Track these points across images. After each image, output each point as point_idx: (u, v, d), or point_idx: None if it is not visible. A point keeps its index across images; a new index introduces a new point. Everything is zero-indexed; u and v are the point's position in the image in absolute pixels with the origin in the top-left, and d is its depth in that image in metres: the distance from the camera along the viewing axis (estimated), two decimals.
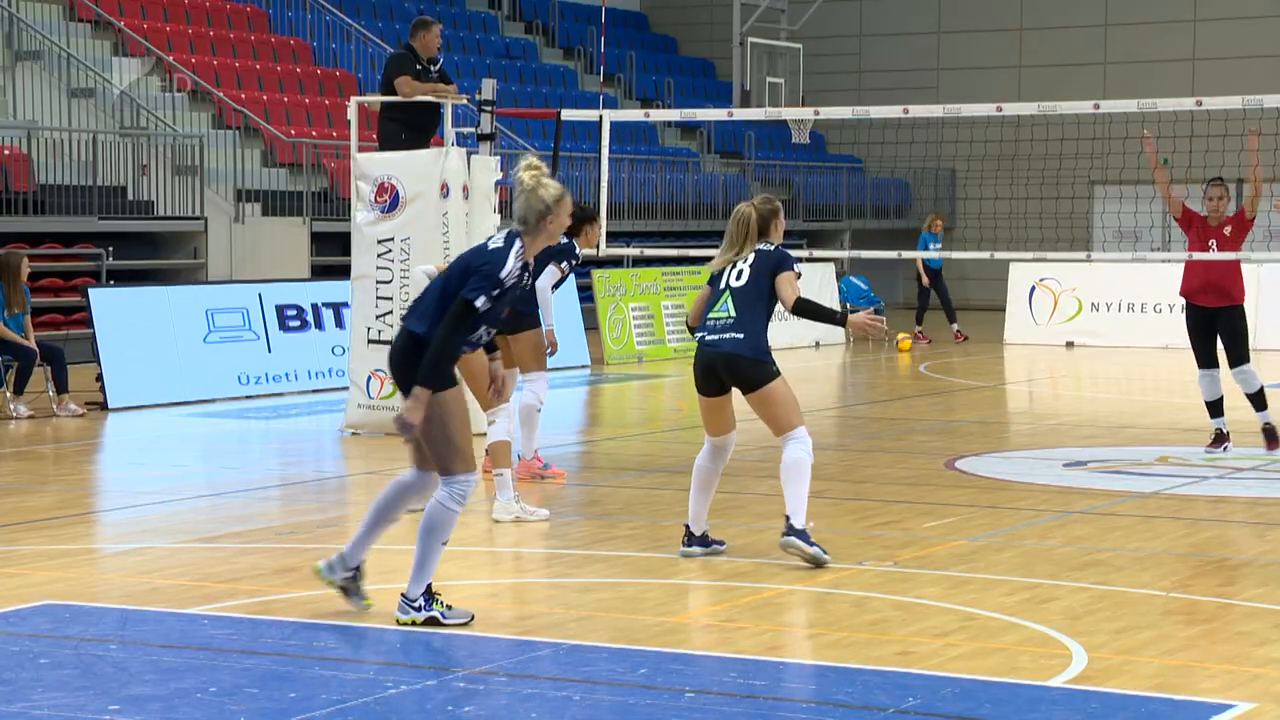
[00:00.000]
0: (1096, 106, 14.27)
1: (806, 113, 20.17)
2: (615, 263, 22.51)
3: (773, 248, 8.95)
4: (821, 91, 30.39)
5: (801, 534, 8.68)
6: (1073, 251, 25.24)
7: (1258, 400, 12.83)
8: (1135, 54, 30.96)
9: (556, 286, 11.64)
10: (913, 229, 31.70)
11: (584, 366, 20.41)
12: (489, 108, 14.44)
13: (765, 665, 6.91)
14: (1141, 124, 23.49)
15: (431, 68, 14.34)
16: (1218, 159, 23.60)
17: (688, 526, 9.08)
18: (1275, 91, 25.93)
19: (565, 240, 11.71)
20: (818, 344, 23.78)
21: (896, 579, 8.49)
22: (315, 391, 17.03)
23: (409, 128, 14.32)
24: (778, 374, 8.83)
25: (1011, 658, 7.01)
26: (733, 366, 8.76)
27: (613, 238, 15.25)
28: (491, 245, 7.53)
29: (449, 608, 7.51)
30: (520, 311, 11.52)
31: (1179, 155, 26.02)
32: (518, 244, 7.49)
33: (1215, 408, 12.80)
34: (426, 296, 7.53)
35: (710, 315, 8.88)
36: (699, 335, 8.93)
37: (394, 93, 14.23)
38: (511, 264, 7.43)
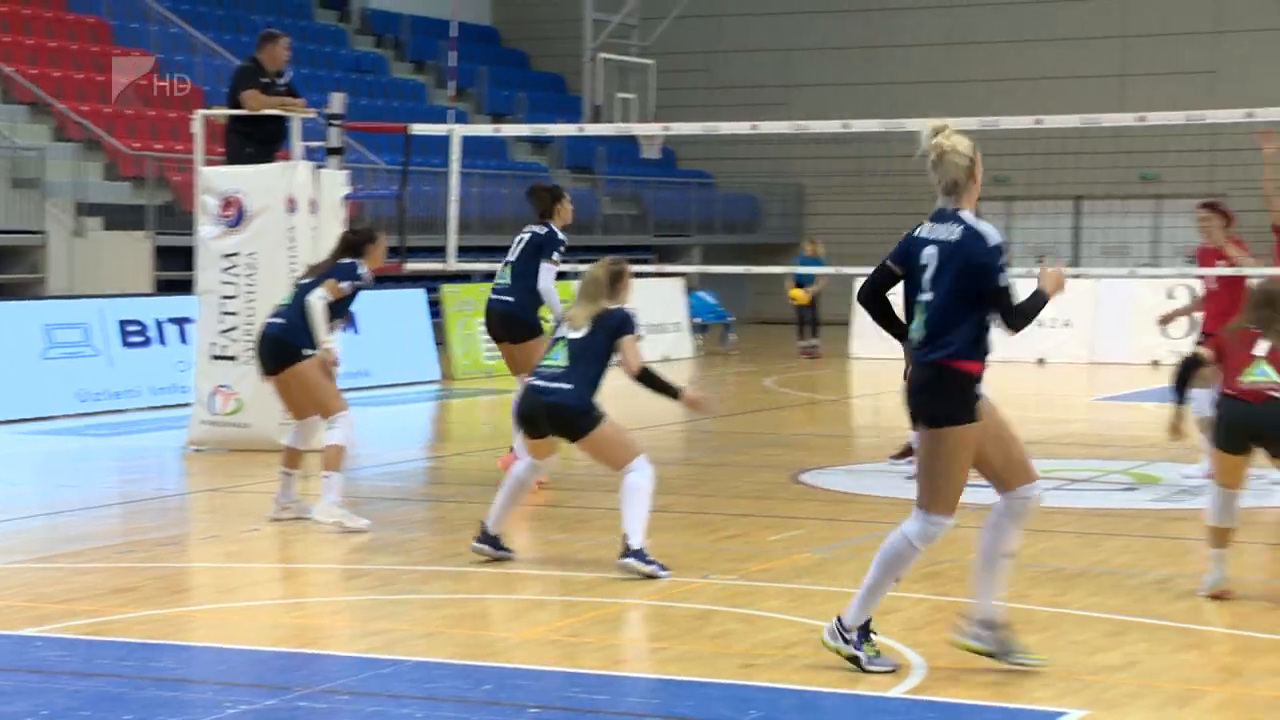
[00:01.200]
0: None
1: (657, 128, 20.31)
2: (464, 278, 22.43)
3: (616, 309, 9.10)
4: (672, 107, 30.54)
5: (638, 553, 8.77)
6: None
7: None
8: (980, 73, 31.49)
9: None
10: (761, 244, 31.98)
11: (432, 382, 20.33)
12: (337, 122, 14.34)
13: (609, 680, 6.93)
14: (984, 140, 23.86)
15: (278, 81, 14.22)
16: (1055, 175, 24.14)
17: (483, 522, 9.21)
18: (1111, 110, 26.51)
19: (545, 229, 11.84)
20: (666, 358, 23.89)
21: (741, 592, 8.55)
22: (158, 408, 16.79)
23: (255, 142, 14.19)
24: (600, 418, 8.97)
25: (851, 669, 7.09)
26: (555, 416, 8.96)
27: (463, 253, 15.18)
28: (980, 230, 6.82)
29: (877, 653, 6.96)
30: (521, 319, 11.62)
31: (1018, 172, 26.55)
32: (970, 214, 6.86)
33: None
34: (941, 319, 6.80)
35: (544, 362, 9.06)
36: (529, 380, 9.14)
37: (240, 106, 14.09)
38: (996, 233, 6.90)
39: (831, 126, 14.85)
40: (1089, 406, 18.64)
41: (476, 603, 8.47)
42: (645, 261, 27.27)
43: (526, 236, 12.12)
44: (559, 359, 8.98)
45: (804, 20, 33.20)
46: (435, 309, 21.54)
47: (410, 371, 20.17)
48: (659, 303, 24.30)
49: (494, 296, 12.19)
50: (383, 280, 22.83)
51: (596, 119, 28.47)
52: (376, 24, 32.18)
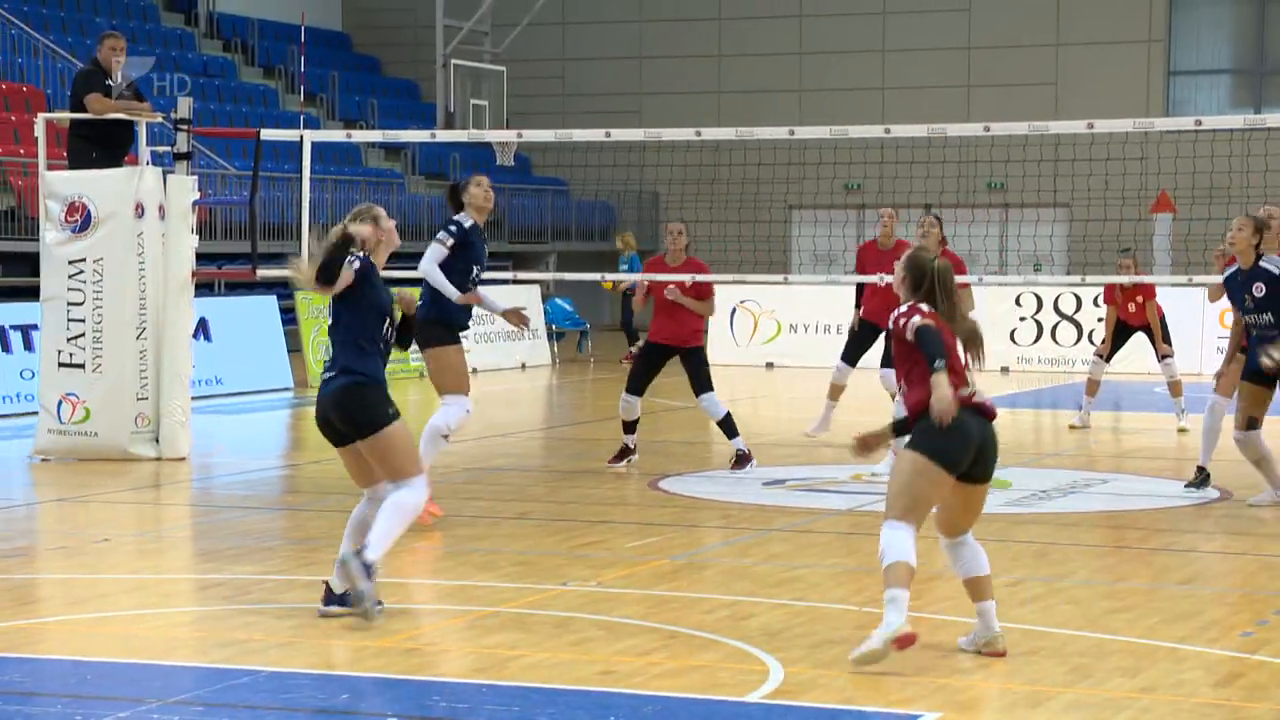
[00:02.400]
0: (792, 132, 14.61)
1: (510, 135, 20.22)
2: None
3: None
4: (526, 114, 30.53)
5: (368, 566, 7.92)
6: (771, 274, 25.77)
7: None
8: (829, 82, 31.82)
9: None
10: (617, 251, 32.04)
11: (287, 389, 20.11)
12: (185, 126, 14.14)
13: (468, 688, 6.90)
14: (834, 149, 24.22)
15: (122, 84, 13.98)
16: (905, 184, 24.46)
17: (328, 584, 8.18)
18: (959, 120, 26.97)
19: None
20: (523, 365, 23.86)
21: (600, 599, 8.56)
22: (3, 417, 16.42)
23: (100, 146, 13.95)
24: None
25: (711, 675, 7.13)
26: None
27: None
28: None
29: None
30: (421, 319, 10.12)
31: (869, 181, 26.88)
32: None
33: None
34: None
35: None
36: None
37: (84, 110, 13.84)
38: None
39: (684, 134, 14.93)
40: None
41: (334, 611, 8.38)
42: (502, 269, 27.20)
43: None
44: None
45: (656, 28, 33.34)
46: (288, 316, 21.31)
47: (263, 379, 19.93)
48: None
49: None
50: (234, 287, 22.63)
51: (449, 125, 28.35)
52: (224, 28, 31.78)
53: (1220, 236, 13.33)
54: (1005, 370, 23.06)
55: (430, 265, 10.83)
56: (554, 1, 31.85)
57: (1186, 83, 31.04)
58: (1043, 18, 31.09)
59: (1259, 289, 10.86)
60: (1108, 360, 16.44)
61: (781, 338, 24.34)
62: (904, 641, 7.11)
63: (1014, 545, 10.18)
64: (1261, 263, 10.90)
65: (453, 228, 11.00)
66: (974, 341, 7.50)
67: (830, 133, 14.60)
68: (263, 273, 14.94)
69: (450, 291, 10.76)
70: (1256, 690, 6.96)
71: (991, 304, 23.38)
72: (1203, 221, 20.87)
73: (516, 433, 16.74)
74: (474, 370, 23.50)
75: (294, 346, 20.87)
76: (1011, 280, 25.86)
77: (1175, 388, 16.17)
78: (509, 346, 24.02)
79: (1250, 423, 10.94)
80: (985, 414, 7.40)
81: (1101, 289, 22.51)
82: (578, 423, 18.19)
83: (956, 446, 7.24)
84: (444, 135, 22.83)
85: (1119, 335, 16.53)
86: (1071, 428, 16.46)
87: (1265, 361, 10.55)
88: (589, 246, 31.88)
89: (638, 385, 13.13)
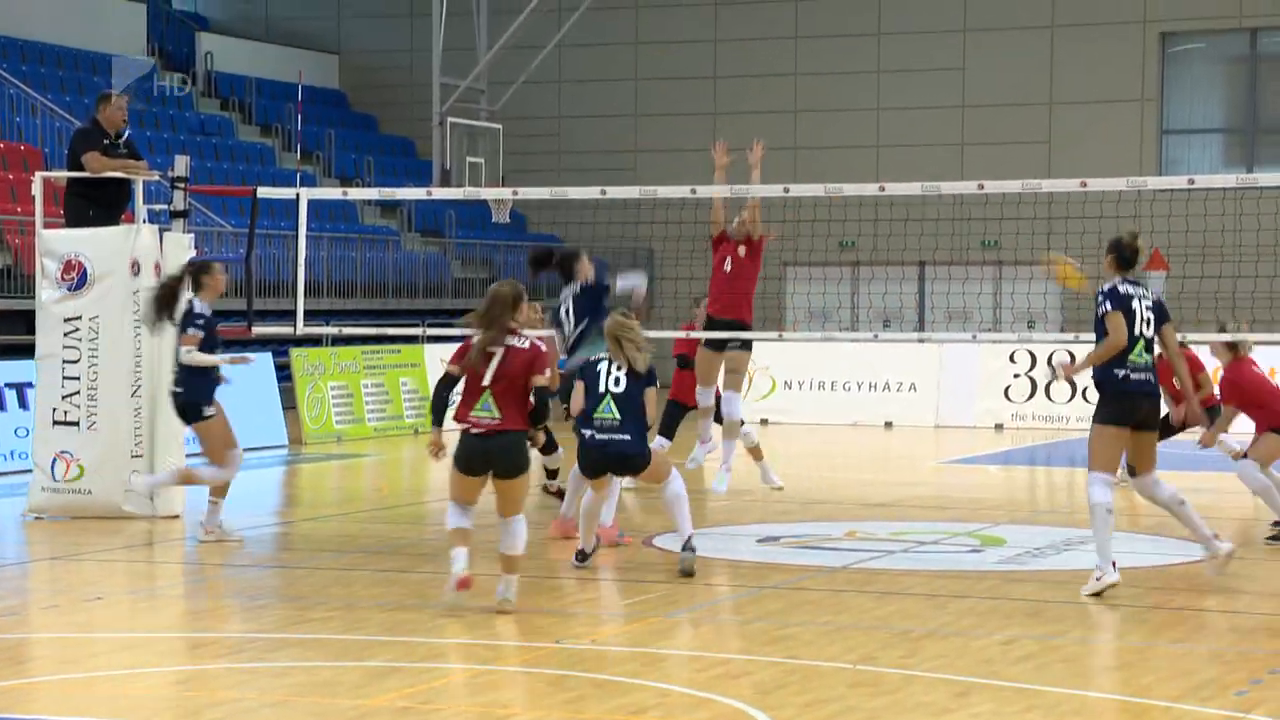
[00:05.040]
0: (786, 190, 14.68)
1: (505, 192, 20.31)
2: (314, 341, 22.25)
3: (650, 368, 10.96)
4: (521, 172, 30.63)
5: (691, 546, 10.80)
6: (765, 330, 25.80)
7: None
8: (823, 140, 31.96)
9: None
10: (612, 308, 32.03)
11: (281, 446, 20.10)
12: (182, 184, 14.20)
13: None
14: (828, 207, 24.30)
15: (119, 142, 14.04)
16: (900, 242, 24.54)
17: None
18: (952, 178, 27.04)
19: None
20: None
21: (592, 656, 8.54)
22: None
23: (97, 204, 13.98)
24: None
25: None
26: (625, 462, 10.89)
27: (311, 316, 15.08)
28: None
29: None
30: None
31: (863, 238, 26.96)
32: None
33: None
34: None
35: (598, 415, 10.77)
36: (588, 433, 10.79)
37: (81, 168, 13.89)
38: None
39: (679, 191, 15.00)
40: (935, 469, 18.91)
41: (326, 670, 8.37)
42: None
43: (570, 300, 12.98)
44: (611, 411, 10.67)
45: (650, 86, 33.49)
46: (283, 373, 21.32)
47: (258, 436, 19.90)
48: None
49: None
50: (230, 344, 22.62)
51: (445, 183, 28.43)
52: (222, 86, 31.93)
53: (1212, 295, 13.39)
54: (999, 427, 23.07)
55: None
56: (550, 60, 32.00)
57: (1179, 141, 31.18)
58: (1036, 76, 31.26)
59: None
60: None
61: (776, 393, 24.35)
62: None
63: (1007, 602, 10.17)
64: None
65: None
66: None
67: (825, 190, 14.66)
68: (258, 330, 14.97)
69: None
70: None
71: (985, 361, 23.42)
72: (1195, 279, 20.92)
73: None
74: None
75: (289, 404, 20.87)
76: (1005, 337, 25.89)
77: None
78: None
79: (1132, 470, 10.81)
80: None
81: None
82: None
83: None
84: (440, 193, 22.93)
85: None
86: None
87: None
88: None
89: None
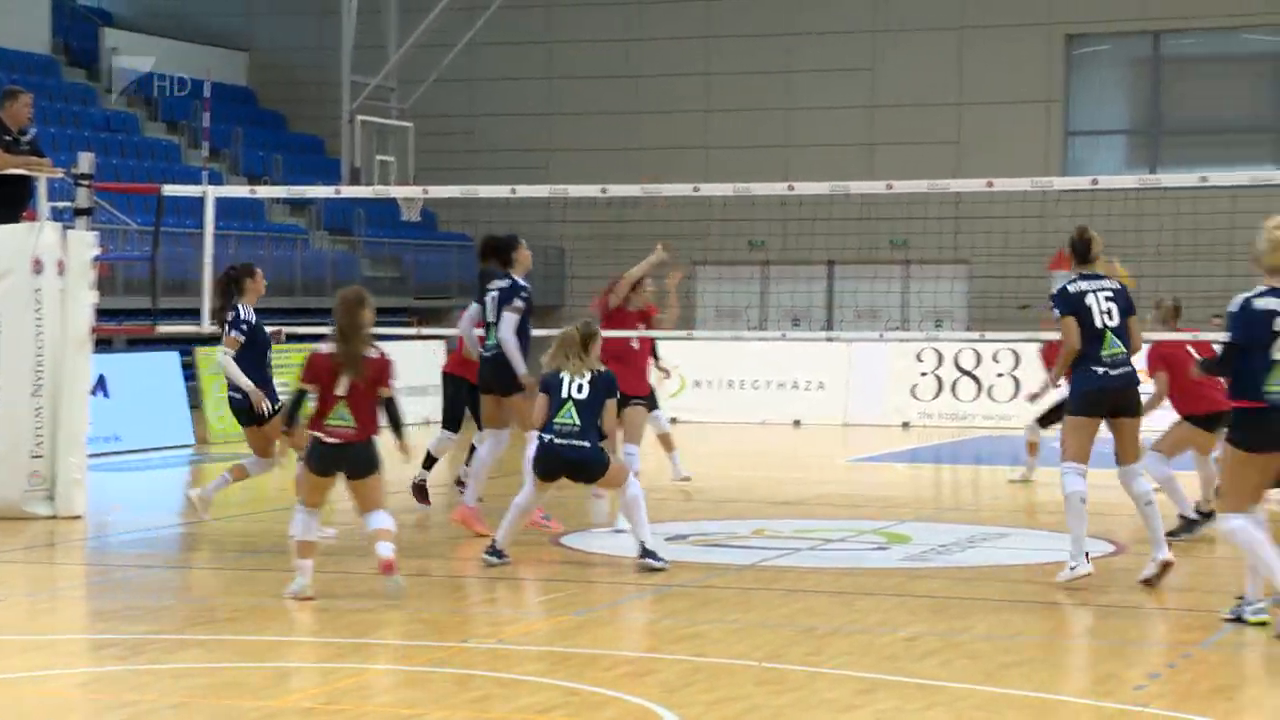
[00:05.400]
0: (696, 189, 14.73)
1: (415, 191, 20.25)
2: (220, 340, 22.04)
3: (606, 370, 10.98)
4: (432, 170, 30.49)
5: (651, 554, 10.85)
6: (675, 329, 25.84)
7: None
8: (734, 139, 32.06)
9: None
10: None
11: (187, 446, 19.92)
12: (86, 181, 14.03)
13: None
14: (738, 206, 24.36)
15: (22, 139, 13.86)
16: (809, 241, 24.67)
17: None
18: (861, 178, 27.20)
19: (508, 280, 12.22)
20: (428, 421, 23.77)
21: (500, 656, 8.53)
22: None
23: None
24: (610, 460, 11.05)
25: None
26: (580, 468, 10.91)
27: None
28: None
29: None
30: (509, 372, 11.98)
31: (773, 238, 27.09)
32: None
33: None
34: None
35: (557, 421, 10.78)
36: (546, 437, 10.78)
37: None
38: None
39: (590, 190, 15.00)
40: (843, 467, 19.02)
41: (230, 671, 8.30)
42: (407, 324, 27.12)
43: (494, 292, 12.19)
44: (571, 418, 10.71)
45: (562, 85, 33.46)
46: (189, 372, 21.12)
47: (163, 436, 19.74)
48: (419, 366, 24.17)
49: (484, 354, 12.39)
50: (134, 343, 22.41)
51: (355, 181, 28.28)
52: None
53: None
54: (907, 425, 23.25)
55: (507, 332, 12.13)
56: (462, 58, 31.90)
57: (1084, 143, 31.53)
58: (944, 77, 31.49)
59: None
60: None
61: (686, 392, 24.40)
62: None
63: (912, 599, 10.25)
64: None
65: (524, 293, 12.22)
66: None
67: (734, 190, 14.70)
68: (163, 329, 14.83)
69: (519, 363, 12.17)
70: None
71: (892, 360, 23.57)
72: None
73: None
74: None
75: (195, 403, 20.68)
76: (913, 336, 26.12)
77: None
78: (414, 402, 23.91)
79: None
80: None
81: (1002, 345, 22.80)
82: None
83: None
84: (349, 191, 22.82)
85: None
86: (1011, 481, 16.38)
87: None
88: None
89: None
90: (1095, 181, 14.94)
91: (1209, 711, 7.56)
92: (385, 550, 9.60)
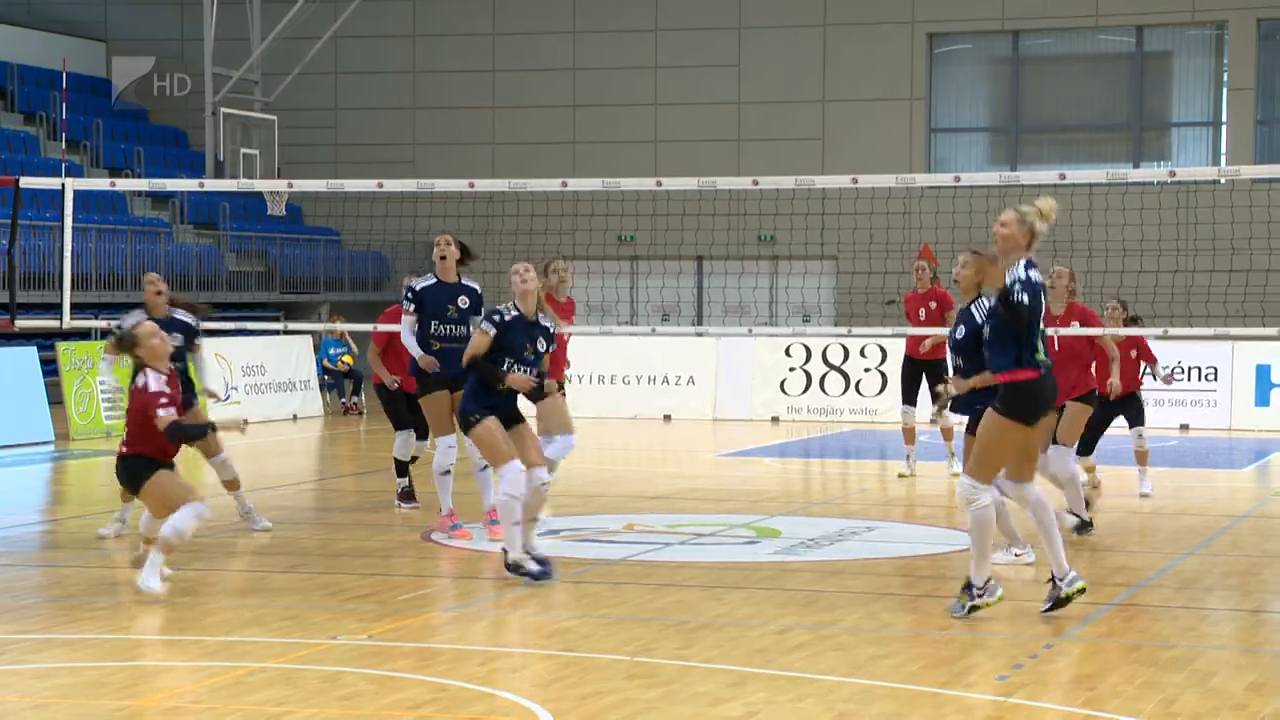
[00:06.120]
0: (564, 184, 14.71)
1: (280, 184, 20.04)
2: (82, 335, 21.70)
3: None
4: (298, 164, 30.23)
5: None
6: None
7: None
8: (602, 134, 32.08)
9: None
10: (390, 301, 31.80)
11: (48, 442, 19.57)
12: None
13: None
14: (606, 201, 24.42)
15: None
16: (677, 236, 24.76)
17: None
18: (729, 173, 27.36)
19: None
20: (295, 416, 23.56)
21: (370, 653, 8.47)
22: None
23: None
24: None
25: None
26: None
27: (80, 310, 14.73)
28: None
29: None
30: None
31: (642, 233, 27.14)
32: None
33: None
34: None
35: None
36: None
37: None
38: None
39: (458, 185, 14.95)
40: (712, 462, 19.10)
41: (94, 670, 8.17)
42: (274, 319, 26.83)
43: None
44: None
45: (427, 79, 33.29)
46: (49, 367, 20.75)
47: (23, 432, 19.38)
48: (288, 361, 23.94)
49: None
50: None
51: (219, 174, 27.96)
52: None
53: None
54: (775, 420, 23.40)
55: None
56: (326, 51, 31.63)
57: (947, 140, 31.93)
58: (809, 74, 31.74)
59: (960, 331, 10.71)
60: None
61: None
62: None
63: (782, 593, 10.32)
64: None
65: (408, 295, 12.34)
66: None
67: (603, 185, 14.74)
68: (22, 323, 14.55)
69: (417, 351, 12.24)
70: None
71: (761, 354, 23.71)
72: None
73: (288, 484, 16.50)
74: (245, 421, 23.18)
75: (55, 398, 20.32)
76: (781, 331, 26.28)
77: (947, 433, 16.35)
78: (281, 398, 23.70)
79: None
80: None
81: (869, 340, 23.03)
82: (349, 474, 18.00)
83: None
84: (213, 184, 22.53)
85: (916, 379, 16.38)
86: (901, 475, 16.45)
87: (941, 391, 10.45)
88: (363, 297, 31.64)
89: None
90: (958, 179, 15.15)
91: (1070, 700, 7.69)
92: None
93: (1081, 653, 8.73)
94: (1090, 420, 12.94)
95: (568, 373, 14.20)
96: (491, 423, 10.38)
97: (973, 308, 10.08)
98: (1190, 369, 22.51)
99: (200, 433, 10.79)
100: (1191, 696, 7.72)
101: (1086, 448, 13.54)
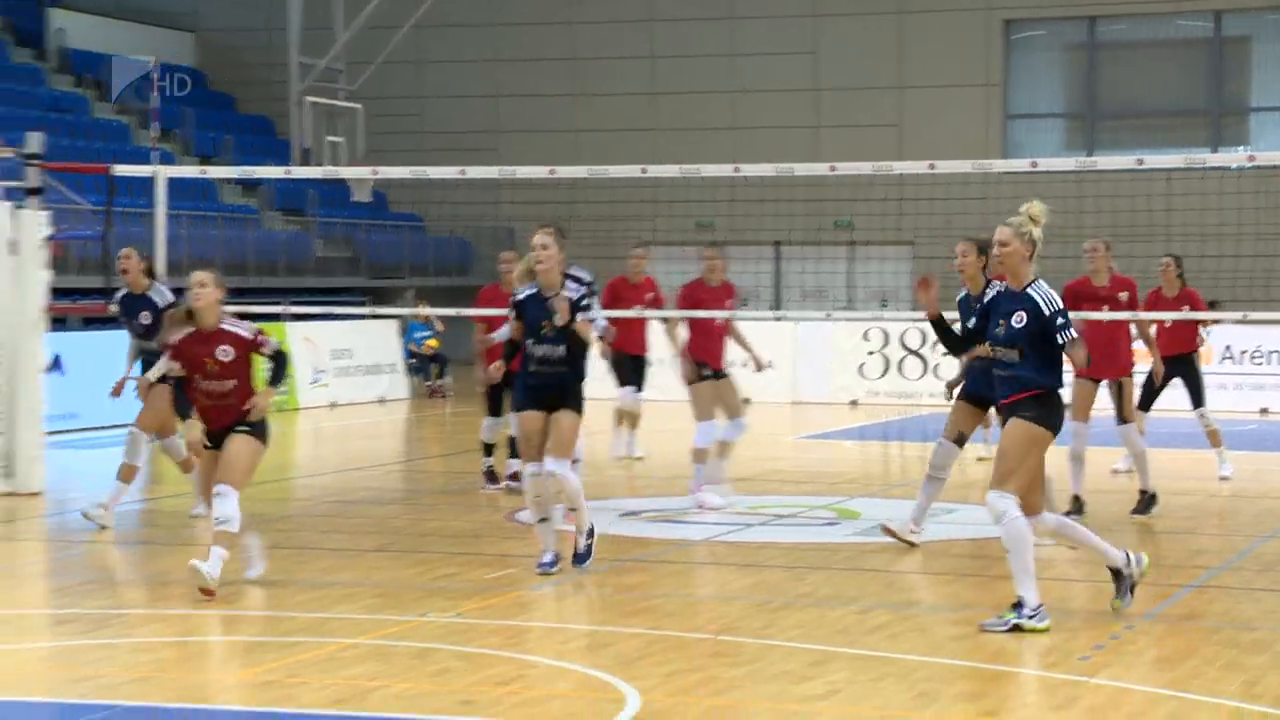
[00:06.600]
0: (644, 171, 14.71)
1: (365, 172, 20.13)
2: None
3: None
4: (382, 151, 30.36)
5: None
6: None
7: None
8: (681, 122, 32.05)
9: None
10: (474, 286, 31.93)
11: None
12: (36, 161, 13.92)
13: None
14: (686, 188, 24.40)
15: None
16: (755, 222, 24.73)
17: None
18: (806, 160, 27.26)
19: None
20: (382, 399, 23.72)
21: (459, 630, 8.53)
22: None
23: None
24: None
25: (569, 703, 7.14)
26: None
27: (178, 295, 14.83)
28: None
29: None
30: None
31: (720, 218, 27.12)
32: None
33: None
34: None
35: None
36: None
37: None
38: None
39: (539, 172, 14.97)
40: (792, 444, 19.08)
41: (192, 645, 8.29)
42: (360, 304, 26.99)
43: None
44: None
45: (511, 67, 33.38)
46: None
47: (120, 413, 19.57)
48: (375, 344, 24.12)
49: None
50: (90, 322, 22.25)
51: (305, 162, 28.11)
52: (76, 63, 31.29)
53: (1052, 273, 13.61)
54: (854, 404, 23.33)
55: None
56: (409, 40, 31.76)
57: (1023, 126, 31.69)
58: (886, 62, 31.59)
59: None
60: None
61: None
62: None
63: (862, 573, 10.31)
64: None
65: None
66: None
67: (681, 171, 14.72)
68: (116, 307, 14.69)
69: None
70: (1095, 712, 7.11)
71: (840, 339, 23.64)
72: (1039, 259, 21.34)
73: (376, 466, 16.64)
74: (335, 404, 23.46)
75: None
76: (859, 315, 26.20)
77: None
78: (368, 381, 23.87)
79: (959, 438, 11.03)
80: None
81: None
82: (437, 455, 18.12)
83: None
84: (300, 172, 22.65)
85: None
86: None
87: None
88: (447, 282, 31.80)
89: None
90: (1035, 164, 15.03)
91: (1153, 681, 7.65)
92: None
93: (1163, 633, 8.67)
94: (1147, 380, 13.23)
95: (741, 358, 13.96)
96: (523, 418, 10.11)
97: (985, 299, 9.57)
98: (1270, 353, 22.26)
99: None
100: (1275, 678, 7.65)
101: (1146, 404, 13.64)
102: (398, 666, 7.75)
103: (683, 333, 13.36)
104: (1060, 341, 8.66)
